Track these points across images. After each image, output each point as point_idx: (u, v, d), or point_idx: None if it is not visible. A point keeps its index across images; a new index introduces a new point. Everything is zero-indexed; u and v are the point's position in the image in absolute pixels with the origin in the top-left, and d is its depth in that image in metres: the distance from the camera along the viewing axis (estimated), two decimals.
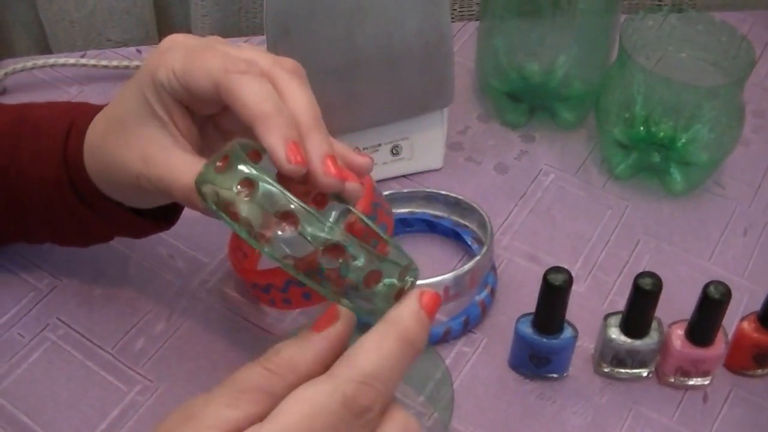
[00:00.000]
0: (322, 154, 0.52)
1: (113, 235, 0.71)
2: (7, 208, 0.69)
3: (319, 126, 0.54)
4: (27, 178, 0.66)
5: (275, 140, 0.51)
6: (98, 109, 0.65)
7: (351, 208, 0.55)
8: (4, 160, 0.67)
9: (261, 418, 0.44)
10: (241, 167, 0.47)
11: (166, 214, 0.70)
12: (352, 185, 0.53)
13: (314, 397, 0.43)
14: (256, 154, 0.54)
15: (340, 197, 0.54)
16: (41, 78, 0.96)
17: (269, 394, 0.44)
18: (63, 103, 0.70)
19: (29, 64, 0.94)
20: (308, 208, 0.45)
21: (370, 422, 0.44)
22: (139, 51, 0.99)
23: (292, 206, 0.45)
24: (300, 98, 0.55)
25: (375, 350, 0.45)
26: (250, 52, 0.57)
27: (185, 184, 0.56)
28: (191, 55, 0.56)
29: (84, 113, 0.66)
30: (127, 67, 0.95)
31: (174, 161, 0.57)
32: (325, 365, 0.46)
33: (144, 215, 0.68)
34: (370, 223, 0.56)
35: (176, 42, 0.58)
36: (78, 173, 0.64)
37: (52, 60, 0.95)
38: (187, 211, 0.82)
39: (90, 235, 0.70)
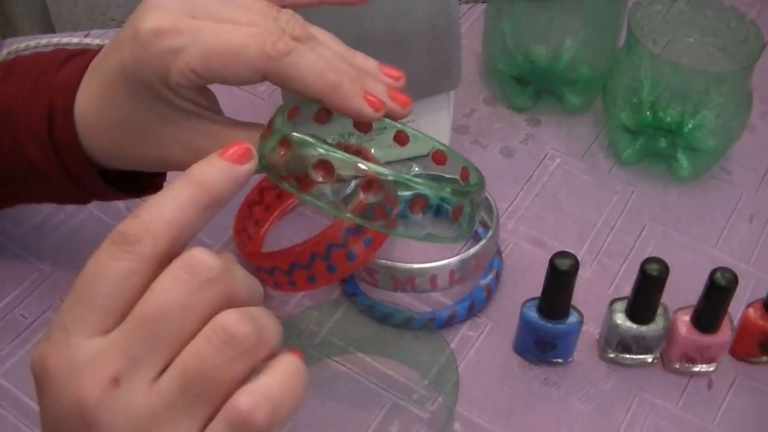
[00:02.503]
0: (385, 92, 0.56)
1: (111, 199, 0.69)
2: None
3: (355, 56, 0.58)
4: (12, 164, 0.64)
5: (357, 102, 0.55)
6: (69, 78, 0.62)
7: (398, 124, 0.60)
8: None
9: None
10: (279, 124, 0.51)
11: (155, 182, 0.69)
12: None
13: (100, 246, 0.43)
14: (295, 110, 0.56)
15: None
16: None
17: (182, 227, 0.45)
18: (26, 72, 0.64)
19: (32, 43, 0.94)
20: (341, 156, 0.48)
21: (131, 248, 0.43)
22: None
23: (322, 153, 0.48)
24: (333, 57, 0.56)
25: (161, 193, 0.44)
26: (256, 13, 0.56)
27: (247, 171, 0.56)
28: (210, 49, 0.53)
29: (60, 90, 0.62)
30: None
31: (224, 143, 0.57)
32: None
33: (135, 190, 0.67)
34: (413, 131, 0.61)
35: (165, 33, 0.54)
36: (70, 157, 0.62)
37: (55, 39, 0.94)
38: None
39: (85, 198, 0.68)
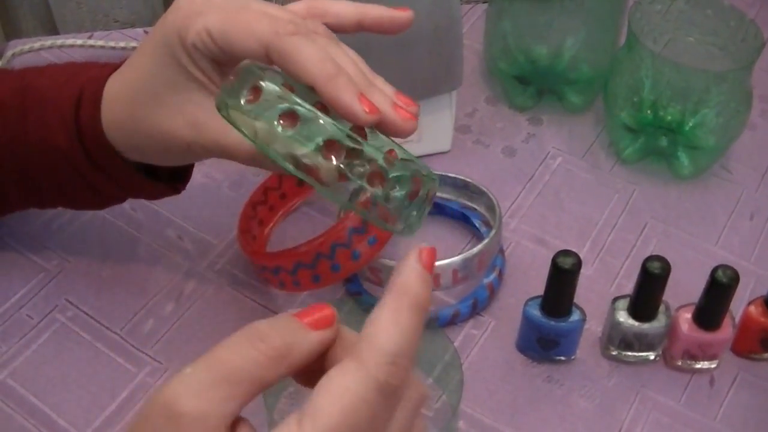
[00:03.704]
0: (390, 102, 0.55)
1: (126, 197, 0.71)
2: (18, 177, 0.68)
3: (374, 77, 0.57)
4: (36, 149, 0.65)
5: (349, 97, 0.52)
6: (105, 72, 0.64)
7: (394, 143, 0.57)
8: (12, 131, 0.66)
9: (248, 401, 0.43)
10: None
11: (180, 175, 0.70)
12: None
13: (350, 389, 0.41)
14: (290, 88, 0.55)
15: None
16: (48, 59, 0.95)
17: (260, 384, 0.42)
18: (66, 68, 0.68)
19: (36, 45, 0.94)
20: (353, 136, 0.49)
21: (398, 400, 0.44)
22: (146, 32, 0.99)
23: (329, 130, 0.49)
24: (347, 60, 0.55)
25: (393, 326, 0.43)
26: (284, 12, 0.56)
27: (246, 150, 0.57)
28: (229, 17, 0.55)
29: (93, 80, 0.64)
30: (134, 48, 0.95)
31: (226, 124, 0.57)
32: (317, 357, 0.45)
33: (159, 178, 0.68)
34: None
35: (198, 2, 0.57)
36: (93, 142, 0.64)
37: (59, 41, 0.95)
38: (195, 193, 0.82)
39: (103, 198, 0.69)
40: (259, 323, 0.43)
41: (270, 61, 0.54)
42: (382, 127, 0.54)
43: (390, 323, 0.43)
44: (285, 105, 0.49)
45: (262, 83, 0.50)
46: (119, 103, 0.62)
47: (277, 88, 0.49)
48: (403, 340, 0.43)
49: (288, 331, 0.44)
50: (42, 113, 0.65)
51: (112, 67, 0.64)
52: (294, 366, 0.43)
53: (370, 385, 0.42)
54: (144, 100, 0.60)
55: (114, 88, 0.63)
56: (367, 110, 0.53)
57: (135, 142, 0.63)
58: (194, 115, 0.59)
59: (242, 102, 0.50)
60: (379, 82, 0.57)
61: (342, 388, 0.41)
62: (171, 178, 0.69)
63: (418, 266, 0.45)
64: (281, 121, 0.49)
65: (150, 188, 0.68)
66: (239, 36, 0.55)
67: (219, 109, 0.51)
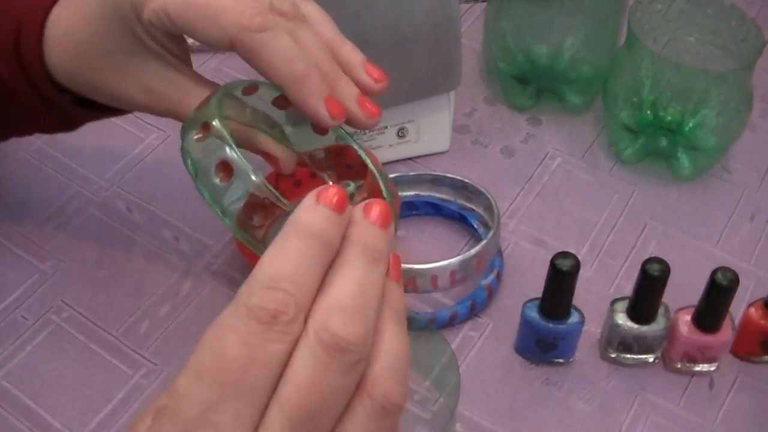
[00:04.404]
0: (355, 97, 0.55)
1: (86, 121, 0.68)
2: None
3: (348, 62, 0.56)
4: None
5: (314, 102, 0.52)
6: (45, 3, 0.61)
7: (353, 142, 0.58)
8: None
9: None
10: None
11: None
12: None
13: (218, 321, 0.38)
14: (253, 88, 0.56)
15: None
16: None
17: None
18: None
19: None
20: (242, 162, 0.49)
21: (288, 329, 0.38)
22: None
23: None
24: (315, 45, 0.54)
25: (274, 252, 0.39)
26: None
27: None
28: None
29: (32, 11, 0.61)
30: None
31: (182, 94, 0.56)
32: None
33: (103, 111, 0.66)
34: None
35: None
36: (37, 76, 0.61)
37: None
38: (192, 194, 0.82)
39: (65, 122, 0.67)
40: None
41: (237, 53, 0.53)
42: (347, 123, 0.55)
43: (271, 250, 0.40)
44: (224, 152, 0.49)
45: (212, 122, 0.50)
46: (67, 52, 0.60)
47: (222, 130, 0.49)
48: (285, 263, 0.39)
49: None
50: None
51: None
52: (334, 250, 0.40)
53: (238, 312, 0.38)
54: (96, 60, 0.58)
55: (60, 31, 0.60)
56: (332, 115, 0.53)
57: (84, 90, 0.61)
58: (149, 83, 0.57)
59: (193, 138, 0.51)
60: (347, 48, 0.56)
61: (213, 325, 0.38)
62: None
63: (309, 200, 0.41)
64: (218, 171, 0.50)
65: (105, 115, 0.66)
66: (202, 24, 0.52)
67: (181, 130, 0.52)
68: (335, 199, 0.40)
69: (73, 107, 0.64)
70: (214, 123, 0.49)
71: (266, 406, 0.38)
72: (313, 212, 0.40)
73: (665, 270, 0.65)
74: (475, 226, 0.79)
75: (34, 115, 0.65)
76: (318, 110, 0.53)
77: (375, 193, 0.56)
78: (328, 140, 0.78)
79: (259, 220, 0.51)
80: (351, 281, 0.40)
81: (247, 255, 0.73)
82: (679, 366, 0.71)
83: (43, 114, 0.64)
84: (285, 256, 0.39)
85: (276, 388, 0.38)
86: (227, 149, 0.49)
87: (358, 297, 0.39)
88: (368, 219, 0.41)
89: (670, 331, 0.70)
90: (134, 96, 0.58)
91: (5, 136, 0.72)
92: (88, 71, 0.60)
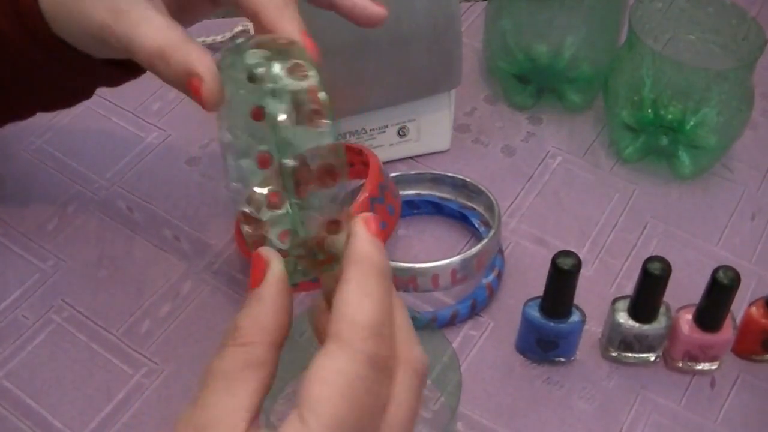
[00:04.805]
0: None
1: (92, 88, 0.68)
2: None
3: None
4: None
5: (288, 27, 0.53)
6: None
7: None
8: None
9: (266, 388, 0.43)
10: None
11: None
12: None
13: (342, 371, 0.41)
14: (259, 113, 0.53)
15: None
16: None
17: (257, 365, 0.43)
18: None
19: None
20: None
21: (391, 372, 0.43)
22: None
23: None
24: None
25: (364, 298, 0.43)
26: None
27: (150, 47, 0.53)
28: None
29: None
30: None
31: (144, 21, 0.54)
32: (285, 310, 0.45)
33: (118, 64, 0.64)
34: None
35: None
36: (35, 23, 0.60)
37: None
38: (192, 193, 0.82)
39: (68, 90, 0.67)
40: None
41: None
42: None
43: (360, 296, 0.43)
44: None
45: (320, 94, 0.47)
46: None
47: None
48: (379, 310, 0.43)
49: (248, 310, 0.44)
50: None
51: None
52: (272, 330, 0.44)
53: (361, 360, 0.41)
54: None
55: None
56: None
57: (59, 18, 0.59)
58: (116, 2, 0.55)
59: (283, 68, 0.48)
60: None
61: (334, 373, 0.41)
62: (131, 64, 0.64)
63: (368, 235, 0.44)
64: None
65: (109, 73, 0.64)
66: None
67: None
68: (378, 229, 0.45)
69: (75, 53, 0.62)
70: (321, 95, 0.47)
71: None
72: (377, 250, 0.44)
73: (666, 269, 0.65)
74: (476, 225, 0.79)
75: (37, 76, 0.64)
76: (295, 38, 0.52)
77: (373, 190, 0.55)
78: (328, 139, 0.77)
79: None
80: (400, 309, 0.46)
81: (247, 254, 0.72)
82: (680, 365, 0.71)
83: (47, 69, 0.63)
84: (377, 300, 0.43)
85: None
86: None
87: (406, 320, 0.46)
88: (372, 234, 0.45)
89: (672, 330, 0.70)
90: (98, 13, 0.56)
91: (25, 111, 0.70)
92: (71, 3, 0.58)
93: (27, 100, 0.69)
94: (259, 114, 0.47)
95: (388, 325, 0.43)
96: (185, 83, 0.52)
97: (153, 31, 0.54)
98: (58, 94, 0.68)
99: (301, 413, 0.40)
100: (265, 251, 0.45)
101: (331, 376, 0.41)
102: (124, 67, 0.64)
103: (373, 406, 0.42)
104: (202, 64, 0.51)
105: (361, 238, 0.44)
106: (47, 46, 0.61)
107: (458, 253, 0.71)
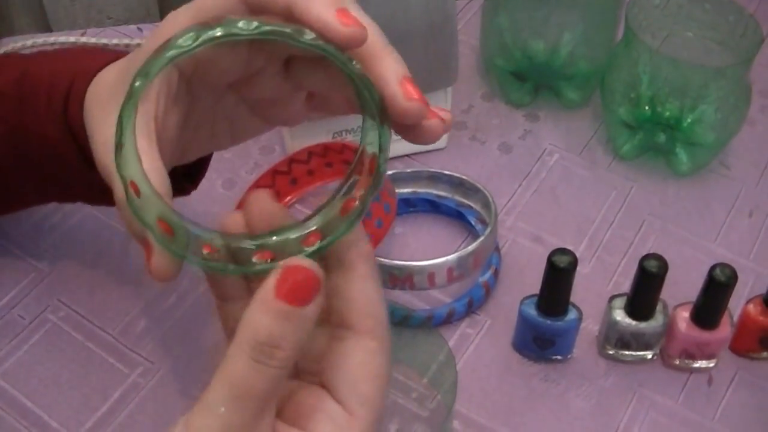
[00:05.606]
0: (399, 75, 0.45)
1: None
2: (19, 169, 0.64)
3: (386, 42, 0.47)
4: (33, 140, 0.62)
5: (322, 7, 0.44)
6: (100, 65, 0.59)
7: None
8: (11, 122, 0.62)
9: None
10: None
11: (188, 176, 0.65)
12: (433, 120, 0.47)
13: (383, 365, 0.45)
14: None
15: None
16: None
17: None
18: (67, 55, 0.64)
19: (29, 42, 0.94)
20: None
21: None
22: (140, 29, 0.98)
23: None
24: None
25: (379, 293, 0.46)
26: None
27: (119, 191, 0.49)
28: None
29: (85, 72, 0.59)
30: (127, 45, 0.94)
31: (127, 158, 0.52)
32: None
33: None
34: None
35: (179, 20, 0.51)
36: (82, 137, 0.58)
37: (52, 38, 0.94)
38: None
39: (101, 197, 0.64)
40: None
41: None
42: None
43: (379, 292, 0.46)
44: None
45: None
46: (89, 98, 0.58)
47: None
48: (383, 302, 0.46)
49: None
50: (35, 104, 0.61)
51: (108, 58, 0.60)
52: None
53: (389, 357, 0.45)
54: (96, 101, 0.57)
55: (94, 83, 0.58)
56: (344, 21, 0.43)
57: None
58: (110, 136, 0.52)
59: None
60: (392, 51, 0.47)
61: (381, 369, 0.44)
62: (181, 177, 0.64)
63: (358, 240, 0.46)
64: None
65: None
66: None
67: None
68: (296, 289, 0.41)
69: None
70: None
71: None
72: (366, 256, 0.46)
73: (663, 266, 0.65)
74: (473, 222, 0.79)
75: (78, 182, 0.63)
76: (324, 14, 0.43)
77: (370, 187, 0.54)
78: (326, 137, 0.78)
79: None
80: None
81: None
82: (677, 362, 0.71)
83: (87, 181, 0.61)
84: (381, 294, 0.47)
85: None
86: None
87: None
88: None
89: (669, 327, 0.69)
90: (96, 145, 0.55)
91: (45, 200, 0.71)
92: (89, 110, 0.58)
93: (59, 195, 0.69)
94: None
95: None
96: (142, 244, 0.50)
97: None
98: (87, 195, 0.66)
99: (351, 408, 0.44)
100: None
101: (379, 372, 0.44)
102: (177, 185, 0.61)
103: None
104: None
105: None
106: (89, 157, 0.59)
107: (455, 251, 0.70)
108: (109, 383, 0.70)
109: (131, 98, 0.42)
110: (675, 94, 0.80)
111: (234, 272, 0.47)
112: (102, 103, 0.56)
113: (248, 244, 0.46)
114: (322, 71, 0.50)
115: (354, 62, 0.44)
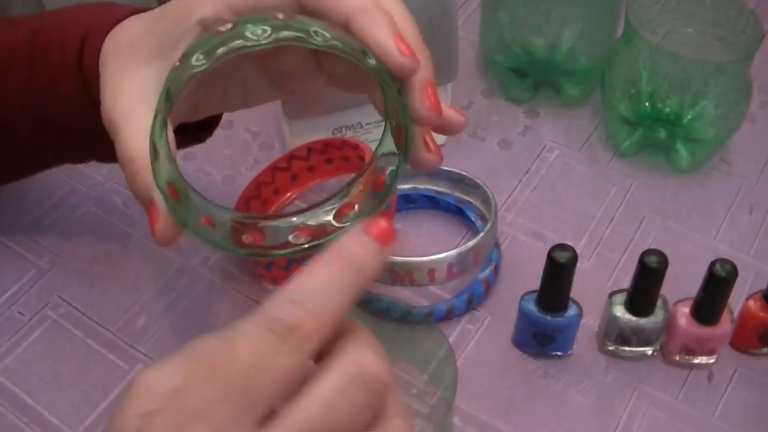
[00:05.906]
0: (423, 81, 0.48)
1: None
2: (31, 128, 0.64)
3: (423, 46, 0.50)
4: (47, 94, 0.61)
5: (384, 32, 0.47)
6: (117, 18, 0.59)
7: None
8: (23, 81, 0.62)
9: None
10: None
11: (200, 128, 0.64)
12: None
13: (239, 323, 0.39)
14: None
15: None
16: None
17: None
18: (78, 9, 0.63)
19: None
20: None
21: (301, 346, 0.39)
22: None
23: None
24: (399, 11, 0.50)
25: (308, 270, 0.40)
26: None
27: (125, 151, 0.52)
28: None
29: (101, 24, 0.59)
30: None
31: (131, 120, 0.53)
32: None
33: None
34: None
35: None
36: (96, 88, 0.58)
37: None
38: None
39: (113, 153, 0.64)
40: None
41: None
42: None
43: (303, 271, 0.41)
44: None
45: None
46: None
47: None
48: (314, 285, 0.40)
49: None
50: (48, 58, 0.61)
51: (125, 12, 0.60)
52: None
53: (257, 319, 0.39)
54: (118, 51, 0.57)
55: (113, 33, 0.58)
56: (404, 51, 0.47)
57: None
58: (126, 94, 0.54)
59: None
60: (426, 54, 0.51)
61: (230, 330, 0.40)
62: (189, 130, 0.64)
63: (358, 232, 0.42)
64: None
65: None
66: None
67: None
68: (381, 230, 0.41)
69: None
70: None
71: (267, 414, 0.38)
72: (354, 240, 0.41)
73: (663, 262, 0.65)
74: (473, 219, 0.78)
75: (89, 136, 0.62)
76: (386, 41, 0.46)
77: (373, 185, 0.55)
78: (326, 133, 0.78)
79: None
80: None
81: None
82: (677, 359, 0.71)
83: (100, 134, 0.60)
84: (316, 275, 0.40)
85: (286, 398, 0.39)
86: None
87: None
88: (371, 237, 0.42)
89: (669, 323, 0.69)
90: (104, 100, 0.56)
91: (59, 161, 0.70)
92: (107, 60, 0.57)
93: (71, 153, 0.68)
94: None
95: (319, 305, 0.41)
96: (145, 205, 0.51)
97: (133, 133, 0.52)
98: (106, 152, 0.65)
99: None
100: None
101: (229, 329, 0.40)
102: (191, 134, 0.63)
103: (252, 367, 0.39)
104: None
105: (350, 234, 0.43)
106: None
107: (455, 247, 0.70)
108: (109, 380, 0.70)
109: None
110: (675, 90, 0.80)
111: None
112: (122, 54, 0.56)
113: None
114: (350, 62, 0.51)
115: (396, 85, 0.48)
